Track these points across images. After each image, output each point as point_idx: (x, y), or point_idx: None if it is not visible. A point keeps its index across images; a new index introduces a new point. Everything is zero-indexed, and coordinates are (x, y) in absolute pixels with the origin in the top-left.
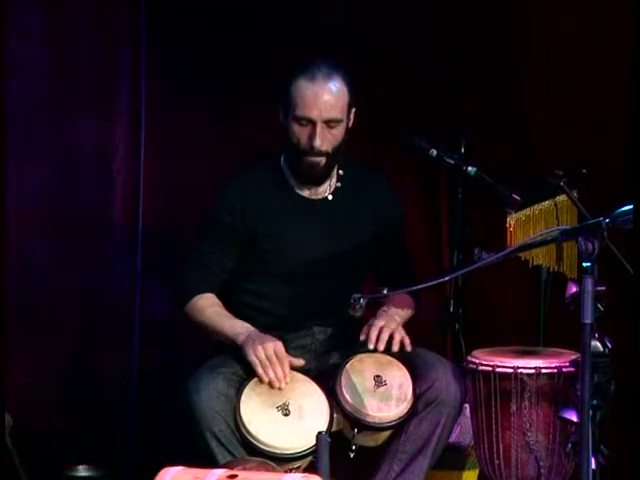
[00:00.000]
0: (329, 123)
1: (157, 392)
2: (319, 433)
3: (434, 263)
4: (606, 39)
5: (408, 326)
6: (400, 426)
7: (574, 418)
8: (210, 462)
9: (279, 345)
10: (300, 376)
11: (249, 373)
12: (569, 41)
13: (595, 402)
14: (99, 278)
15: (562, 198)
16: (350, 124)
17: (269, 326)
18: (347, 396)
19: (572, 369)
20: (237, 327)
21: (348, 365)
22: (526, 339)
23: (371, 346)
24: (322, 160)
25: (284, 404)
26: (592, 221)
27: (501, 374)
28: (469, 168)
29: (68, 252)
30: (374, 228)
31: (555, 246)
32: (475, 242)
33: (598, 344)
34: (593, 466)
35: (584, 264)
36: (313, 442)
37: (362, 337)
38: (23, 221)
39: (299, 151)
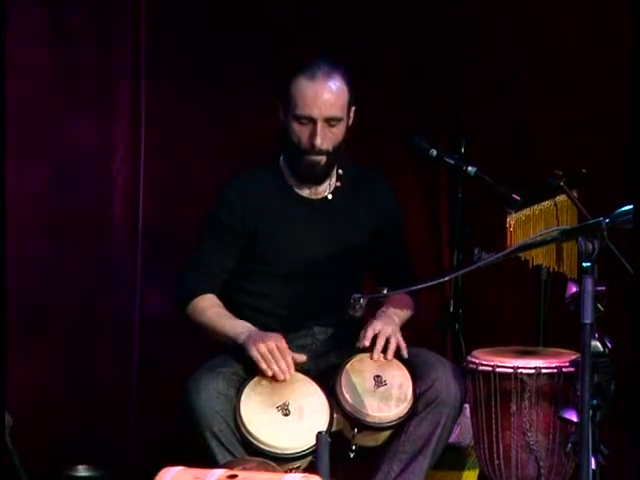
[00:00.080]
0: (329, 122)
1: (157, 392)
2: (319, 433)
3: (434, 263)
4: (606, 39)
5: (408, 326)
6: (400, 426)
7: (574, 418)
8: (210, 462)
9: (280, 339)
10: (300, 376)
11: (249, 373)
12: (569, 41)
13: (595, 402)
14: (99, 278)
15: (562, 198)
16: (350, 123)
17: (269, 326)
18: (347, 396)
19: (572, 369)
20: (238, 327)
21: (348, 365)
22: (526, 339)
23: (375, 358)
24: (322, 159)
25: (284, 404)
26: (592, 221)
27: (501, 374)
28: (469, 168)
29: (68, 252)
30: (374, 228)
31: (555, 246)
32: (475, 242)
33: (598, 344)
34: (593, 466)
35: (584, 264)
36: (313, 442)
37: (358, 344)
38: (23, 221)
39: (300, 150)
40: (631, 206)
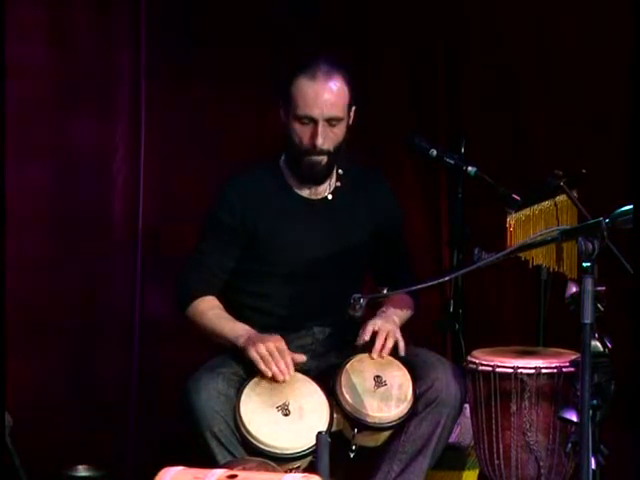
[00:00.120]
0: (330, 122)
1: (157, 392)
2: (319, 433)
3: (434, 263)
4: (606, 39)
5: (408, 326)
6: (400, 426)
7: (574, 418)
8: (210, 462)
9: (280, 340)
10: (300, 376)
11: (249, 373)
12: (569, 41)
13: (595, 402)
14: (99, 278)
15: (562, 198)
16: (350, 122)
17: (269, 326)
18: (347, 396)
19: (572, 369)
20: (238, 330)
21: (348, 365)
22: (526, 339)
23: (375, 356)
24: (323, 159)
25: (284, 404)
26: (592, 221)
27: (501, 374)
28: (469, 168)
29: (68, 252)
30: (374, 228)
31: (555, 246)
32: (475, 242)
33: (598, 344)
34: (593, 466)
35: (584, 264)
36: (313, 442)
37: (358, 340)
38: (23, 221)
39: (301, 151)
40: (631, 206)
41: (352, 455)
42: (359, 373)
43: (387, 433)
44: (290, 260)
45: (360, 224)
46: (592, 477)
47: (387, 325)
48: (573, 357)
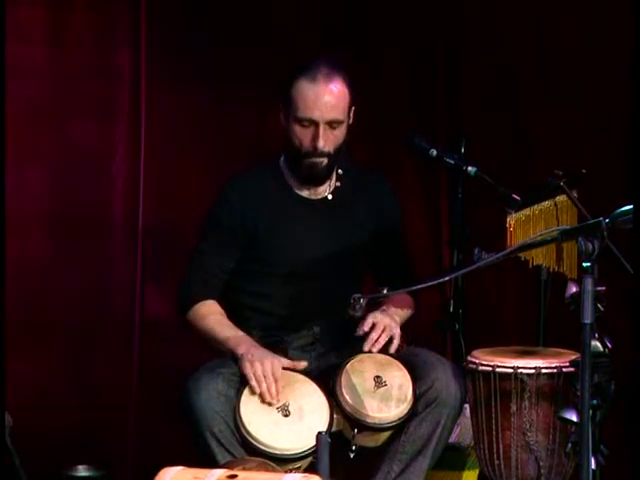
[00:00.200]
0: (331, 124)
1: (157, 392)
2: (319, 433)
3: (434, 263)
4: (606, 39)
5: (408, 326)
6: (400, 427)
7: (574, 418)
8: (210, 462)
9: (276, 363)
10: (300, 376)
11: None
12: (569, 41)
13: (595, 402)
14: (99, 278)
15: (562, 198)
16: (350, 122)
17: (269, 326)
18: (347, 397)
19: (572, 369)
20: (239, 338)
21: (348, 365)
22: (526, 339)
23: (367, 348)
24: (324, 160)
25: (284, 405)
26: (592, 221)
27: (501, 374)
28: (469, 168)
29: (68, 252)
30: (374, 228)
31: (555, 246)
32: (475, 242)
33: (598, 344)
34: (593, 466)
35: (584, 264)
36: (313, 442)
37: (358, 331)
38: (23, 221)
39: (301, 153)
40: (631, 206)
41: (352, 455)
42: (359, 373)
43: (387, 433)
44: (290, 260)
45: (360, 224)
46: (592, 477)
47: (386, 319)
48: (573, 357)
